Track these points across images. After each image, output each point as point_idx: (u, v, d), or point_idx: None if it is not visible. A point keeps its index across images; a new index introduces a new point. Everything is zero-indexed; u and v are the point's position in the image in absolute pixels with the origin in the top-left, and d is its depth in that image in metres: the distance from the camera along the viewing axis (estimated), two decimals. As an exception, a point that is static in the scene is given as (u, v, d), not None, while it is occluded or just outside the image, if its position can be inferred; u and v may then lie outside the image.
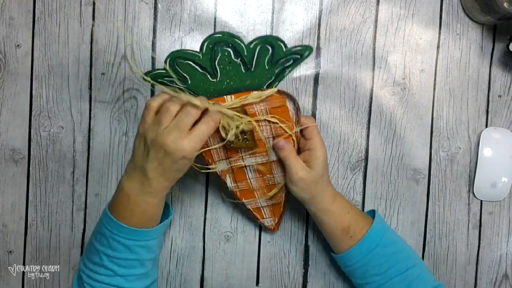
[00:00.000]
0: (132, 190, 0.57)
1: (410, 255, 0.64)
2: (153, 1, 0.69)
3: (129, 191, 0.58)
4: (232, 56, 0.59)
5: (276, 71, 0.60)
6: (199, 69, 0.59)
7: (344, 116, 0.70)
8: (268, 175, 0.64)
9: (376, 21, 0.70)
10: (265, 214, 0.67)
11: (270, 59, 0.60)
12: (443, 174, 0.70)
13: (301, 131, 0.62)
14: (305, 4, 0.70)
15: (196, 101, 0.55)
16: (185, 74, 0.60)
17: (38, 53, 0.69)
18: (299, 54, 0.60)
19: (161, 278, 0.70)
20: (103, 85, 0.69)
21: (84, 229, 0.70)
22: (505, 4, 0.63)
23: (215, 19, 0.70)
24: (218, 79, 0.60)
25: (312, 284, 0.70)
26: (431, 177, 0.71)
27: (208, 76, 0.60)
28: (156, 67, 0.69)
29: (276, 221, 0.68)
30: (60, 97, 0.69)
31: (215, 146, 0.62)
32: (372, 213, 0.66)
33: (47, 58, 0.69)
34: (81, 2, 0.69)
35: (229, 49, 0.59)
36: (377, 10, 0.70)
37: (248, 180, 0.65)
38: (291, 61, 0.60)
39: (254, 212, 0.67)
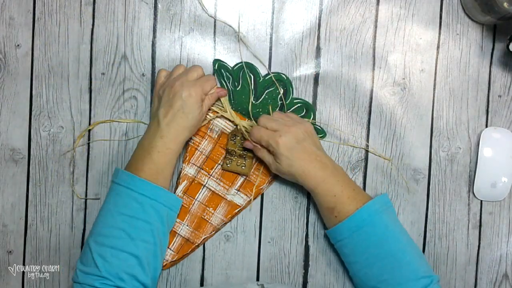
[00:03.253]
0: (145, 140, 0.63)
1: (404, 241, 0.62)
2: (153, 1, 0.69)
3: (143, 141, 0.63)
4: (279, 96, 0.69)
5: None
6: (252, 85, 0.69)
7: (344, 116, 0.70)
8: (211, 208, 0.68)
9: (376, 21, 0.70)
10: (174, 244, 0.68)
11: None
12: (443, 174, 0.70)
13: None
14: (305, 4, 0.70)
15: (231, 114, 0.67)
16: (241, 81, 0.69)
17: (38, 53, 0.69)
18: (316, 131, 0.68)
19: (161, 278, 0.70)
20: (103, 85, 0.69)
21: (84, 229, 0.70)
22: (505, 4, 0.63)
23: (215, 19, 0.70)
24: (257, 102, 0.69)
25: (312, 284, 0.70)
26: (431, 177, 0.71)
27: (252, 95, 0.69)
28: (156, 66, 0.69)
29: (175, 259, 0.68)
30: (60, 97, 0.69)
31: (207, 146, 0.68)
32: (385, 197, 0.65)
33: (47, 58, 0.69)
34: (81, 2, 0.69)
35: (281, 89, 0.69)
36: (377, 10, 0.70)
37: (194, 200, 0.68)
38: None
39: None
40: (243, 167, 0.67)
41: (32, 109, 0.69)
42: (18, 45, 0.69)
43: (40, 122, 0.69)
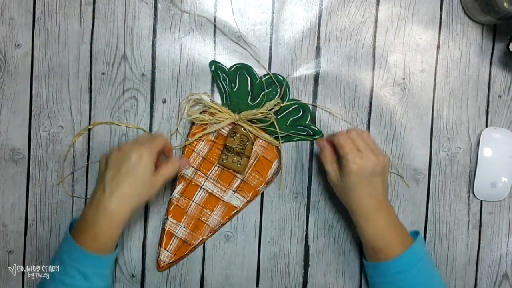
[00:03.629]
0: (89, 210, 0.59)
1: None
2: (153, 1, 0.69)
3: (87, 212, 0.59)
4: (276, 97, 0.68)
5: (290, 131, 0.69)
6: (249, 87, 0.68)
7: (344, 116, 0.70)
8: (208, 210, 0.67)
9: (376, 21, 0.70)
10: (171, 246, 0.68)
11: (295, 121, 0.69)
12: (443, 174, 0.70)
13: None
14: (305, 4, 0.70)
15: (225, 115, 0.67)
16: (237, 82, 0.68)
17: (38, 53, 0.69)
18: (313, 132, 0.69)
19: (161, 278, 0.70)
20: (103, 85, 0.69)
21: (84, 229, 0.70)
22: (505, 4, 0.63)
23: (215, 19, 0.70)
24: (253, 103, 0.68)
25: (312, 284, 0.70)
26: (431, 177, 0.71)
27: (250, 96, 0.68)
28: (156, 66, 0.69)
29: (172, 260, 0.68)
30: (60, 97, 0.69)
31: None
32: (416, 234, 0.65)
33: (47, 58, 0.69)
34: (81, 2, 0.69)
35: (277, 90, 0.68)
36: (377, 10, 0.70)
37: (191, 202, 0.67)
38: (304, 132, 0.69)
39: (165, 235, 0.68)
40: (238, 165, 0.67)
41: (32, 109, 0.69)
42: (18, 45, 0.69)
43: (40, 122, 0.69)
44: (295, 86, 0.70)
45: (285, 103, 0.68)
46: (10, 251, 0.70)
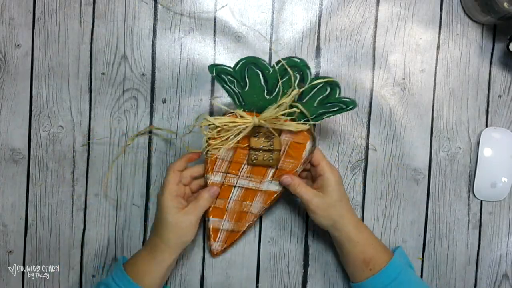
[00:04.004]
0: (142, 249, 0.63)
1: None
2: (153, 1, 0.69)
3: (140, 250, 0.64)
4: (295, 82, 0.60)
5: (320, 111, 0.62)
6: (262, 81, 0.60)
7: (344, 116, 0.70)
8: (248, 202, 0.65)
9: (376, 21, 0.70)
10: (219, 238, 0.68)
11: (323, 99, 0.61)
12: (443, 174, 0.70)
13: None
14: (305, 4, 0.70)
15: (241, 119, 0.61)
16: (247, 80, 0.60)
17: (38, 53, 0.69)
18: (345, 104, 0.61)
19: (161, 278, 0.70)
20: (103, 85, 0.69)
21: (84, 229, 0.70)
22: (505, 4, 0.63)
23: (215, 19, 0.70)
24: (271, 96, 0.61)
25: (312, 284, 0.70)
26: (431, 177, 0.71)
27: (266, 91, 0.61)
28: (156, 66, 0.69)
29: (224, 247, 0.68)
30: (60, 97, 0.69)
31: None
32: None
33: (47, 58, 0.69)
34: (81, 2, 0.69)
35: (297, 75, 0.60)
36: (377, 10, 0.70)
37: (228, 200, 0.66)
38: (336, 108, 0.62)
39: (211, 231, 0.67)
40: (270, 160, 0.63)
41: (32, 109, 0.69)
42: (18, 45, 0.69)
43: (40, 122, 0.69)
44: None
45: (306, 87, 0.60)
46: (10, 251, 0.70)
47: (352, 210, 0.64)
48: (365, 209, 0.70)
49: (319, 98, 0.61)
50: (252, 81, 0.60)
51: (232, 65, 0.60)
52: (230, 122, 0.60)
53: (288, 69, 0.59)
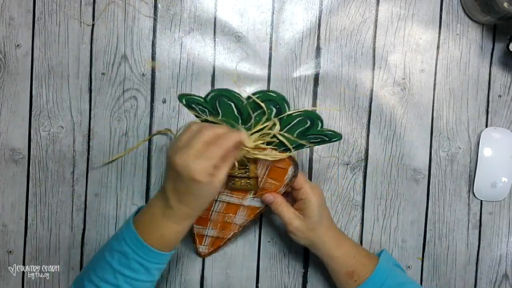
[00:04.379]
0: (157, 210, 0.56)
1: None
2: (153, 1, 0.69)
3: (154, 211, 0.56)
4: (272, 115, 0.57)
5: (301, 141, 0.59)
6: (235, 112, 0.57)
7: (344, 116, 0.70)
8: (231, 214, 0.65)
9: (376, 21, 0.70)
10: (205, 242, 0.68)
11: (303, 131, 0.59)
12: (443, 174, 0.70)
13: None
14: (305, 4, 0.70)
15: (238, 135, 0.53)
16: (219, 109, 0.57)
17: (38, 53, 0.69)
18: (328, 137, 0.59)
19: (161, 278, 0.70)
20: (103, 85, 0.69)
21: (84, 229, 0.70)
22: (505, 4, 0.63)
23: (215, 19, 0.70)
24: (246, 126, 0.58)
25: (312, 284, 0.70)
26: (431, 177, 0.71)
27: (240, 120, 0.58)
28: (156, 66, 0.69)
29: (210, 250, 0.68)
30: (60, 97, 0.69)
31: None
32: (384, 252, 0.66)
33: (47, 58, 0.69)
34: (81, 2, 0.69)
35: (273, 109, 0.56)
36: (377, 10, 0.70)
37: (211, 212, 0.65)
38: (318, 139, 0.60)
39: (196, 236, 0.67)
40: (248, 186, 0.62)
41: (32, 109, 0.69)
42: (18, 45, 0.69)
43: (40, 122, 0.69)
44: (295, 86, 0.70)
45: (284, 117, 0.57)
46: (10, 251, 0.70)
47: (332, 225, 0.64)
48: (365, 209, 0.70)
49: (298, 130, 0.58)
50: (225, 111, 0.57)
51: (204, 94, 0.56)
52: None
53: (261, 104, 0.55)
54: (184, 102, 0.57)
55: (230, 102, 0.56)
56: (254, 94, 0.55)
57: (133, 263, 0.56)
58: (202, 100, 0.56)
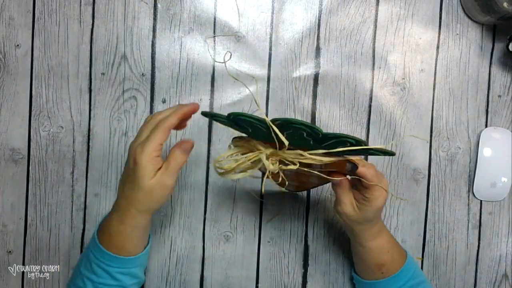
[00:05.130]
0: (112, 215, 0.57)
1: None
2: (153, 1, 0.69)
3: (110, 216, 0.57)
4: (305, 136, 0.50)
5: (344, 149, 0.51)
6: (263, 129, 0.50)
7: (344, 116, 0.70)
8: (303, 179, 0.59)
9: (376, 21, 0.70)
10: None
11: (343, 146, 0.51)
12: (443, 174, 0.70)
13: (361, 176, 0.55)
14: (305, 4, 0.70)
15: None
16: (246, 126, 0.52)
17: (38, 53, 0.69)
18: (377, 154, 0.53)
19: (161, 278, 0.70)
20: (103, 85, 0.69)
21: (83, 229, 0.70)
22: (505, 4, 0.63)
23: (215, 19, 0.70)
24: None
25: (312, 284, 0.70)
26: (431, 177, 0.71)
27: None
28: (156, 66, 0.69)
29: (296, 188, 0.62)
30: (60, 97, 0.69)
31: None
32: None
33: (47, 58, 0.69)
34: (81, 2, 0.69)
35: (304, 132, 0.49)
36: (377, 10, 0.70)
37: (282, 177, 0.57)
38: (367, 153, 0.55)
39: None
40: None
41: (32, 109, 0.69)
42: (18, 45, 0.69)
43: (40, 122, 0.69)
44: (295, 86, 0.70)
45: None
46: (10, 251, 0.70)
47: (378, 221, 0.59)
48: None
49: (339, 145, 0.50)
50: (253, 127, 0.51)
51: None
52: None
53: (280, 135, 0.49)
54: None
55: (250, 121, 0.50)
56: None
57: (95, 267, 0.57)
58: (225, 119, 0.51)
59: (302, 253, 0.70)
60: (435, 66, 0.70)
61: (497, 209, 0.71)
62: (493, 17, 0.66)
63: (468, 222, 0.71)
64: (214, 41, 0.70)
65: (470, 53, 0.70)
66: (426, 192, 0.71)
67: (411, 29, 0.70)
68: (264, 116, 0.48)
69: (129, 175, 0.53)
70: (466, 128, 0.70)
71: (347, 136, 0.49)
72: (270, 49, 0.70)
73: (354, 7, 0.70)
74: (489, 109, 0.71)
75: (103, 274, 0.57)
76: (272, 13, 0.70)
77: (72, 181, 0.70)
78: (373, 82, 0.70)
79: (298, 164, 0.52)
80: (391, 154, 0.53)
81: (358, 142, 0.49)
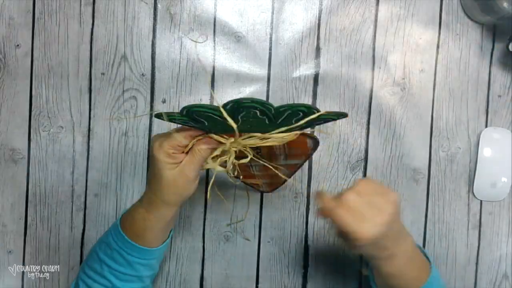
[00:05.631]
0: (138, 205, 0.57)
1: None
2: (153, 1, 0.69)
3: (136, 207, 0.57)
4: (258, 115, 0.49)
5: (302, 123, 0.51)
6: (218, 118, 0.49)
7: (344, 116, 0.70)
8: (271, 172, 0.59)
9: (376, 21, 0.70)
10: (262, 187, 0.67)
11: (300, 119, 0.50)
12: (443, 174, 0.70)
13: None
14: (305, 4, 0.70)
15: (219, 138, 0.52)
16: (202, 119, 0.50)
17: (38, 53, 0.69)
18: (332, 118, 0.52)
19: (161, 278, 0.70)
20: (103, 85, 0.69)
21: (83, 229, 0.70)
22: (505, 4, 0.63)
23: (214, 19, 0.70)
24: (238, 124, 0.50)
25: (312, 284, 0.70)
26: (431, 177, 0.71)
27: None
28: (156, 66, 0.69)
29: (273, 187, 0.66)
30: (60, 97, 0.69)
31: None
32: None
33: (47, 58, 0.69)
34: (81, 2, 0.69)
35: (257, 110, 0.48)
36: (377, 10, 0.70)
37: (252, 171, 0.62)
38: (322, 120, 0.52)
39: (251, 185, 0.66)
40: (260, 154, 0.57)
41: (32, 109, 0.69)
42: (18, 45, 0.69)
43: (40, 122, 0.69)
44: (295, 86, 0.70)
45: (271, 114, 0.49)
46: (9, 251, 0.70)
47: (402, 244, 0.53)
48: (365, 209, 0.70)
49: (295, 118, 0.50)
50: (208, 119, 0.50)
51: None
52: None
53: (230, 120, 0.48)
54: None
55: (207, 113, 0.49)
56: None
57: (115, 254, 0.57)
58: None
59: (302, 253, 0.70)
60: (435, 66, 0.70)
61: (497, 209, 0.71)
62: (493, 17, 0.66)
63: (468, 222, 0.71)
64: (214, 41, 0.70)
65: (470, 53, 0.70)
66: (426, 192, 0.71)
67: (411, 29, 0.70)
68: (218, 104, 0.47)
69: (151, 165, 0.54)
70: (466, 128, 0.70)
71: (297, 105, 0.48)
72: (270, 49, 0.70)
73: (354, 7, 0.70)
74: (489, 109, 0.71)
75: (123, 262, 0.57)
76: (272, 13, 0.70)
77: (72, 181, 0.70)
78: (373, 82, 0.70)
79: (251, 154, 0.53)
80: (344, 115, 0.50)
81: (308, 108, 0.49)
